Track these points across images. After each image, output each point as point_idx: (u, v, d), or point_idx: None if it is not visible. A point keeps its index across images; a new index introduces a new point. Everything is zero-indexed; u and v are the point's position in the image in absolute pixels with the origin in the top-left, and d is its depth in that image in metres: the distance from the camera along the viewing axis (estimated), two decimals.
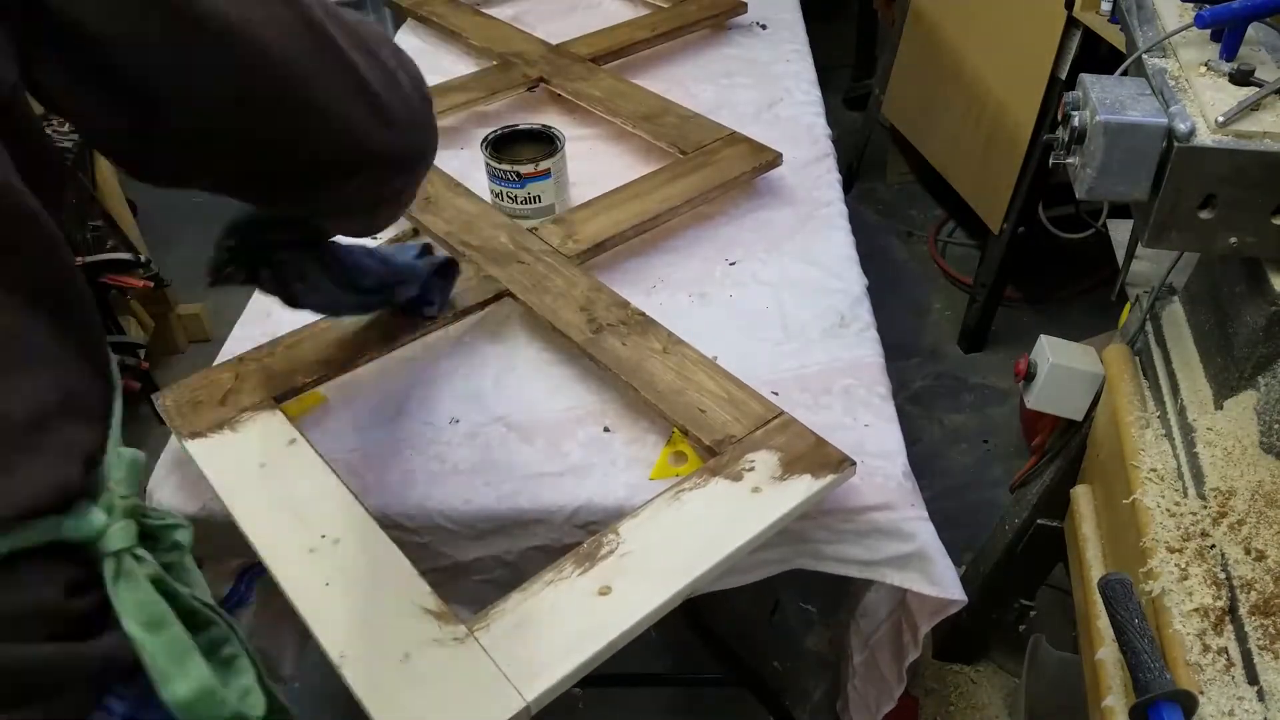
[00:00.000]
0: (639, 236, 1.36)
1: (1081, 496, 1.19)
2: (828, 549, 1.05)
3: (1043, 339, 1.23)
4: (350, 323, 1.17)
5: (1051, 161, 0.99)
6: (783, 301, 1.27)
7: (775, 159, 1.48)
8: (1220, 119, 0.87)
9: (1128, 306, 1.20)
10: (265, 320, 1.24)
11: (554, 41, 1.84)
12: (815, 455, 0.99)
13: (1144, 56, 0.98)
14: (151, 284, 2.06)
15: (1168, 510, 0.92)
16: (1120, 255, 1.26)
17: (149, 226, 2.37)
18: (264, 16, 0.64)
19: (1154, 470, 0.97)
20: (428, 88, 0.84)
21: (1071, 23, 1.81)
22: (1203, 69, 0.94)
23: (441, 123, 1.65)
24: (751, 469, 0.98)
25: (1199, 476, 0.94)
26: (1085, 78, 0.96)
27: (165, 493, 1.04)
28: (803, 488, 0.96)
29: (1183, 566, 0.87)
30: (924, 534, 1.02)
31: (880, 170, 2.97)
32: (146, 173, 0.70)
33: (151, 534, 0.65)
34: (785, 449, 1.00)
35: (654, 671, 1.67)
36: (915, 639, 1.12)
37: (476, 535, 1.04)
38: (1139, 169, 0.91)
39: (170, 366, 2.42)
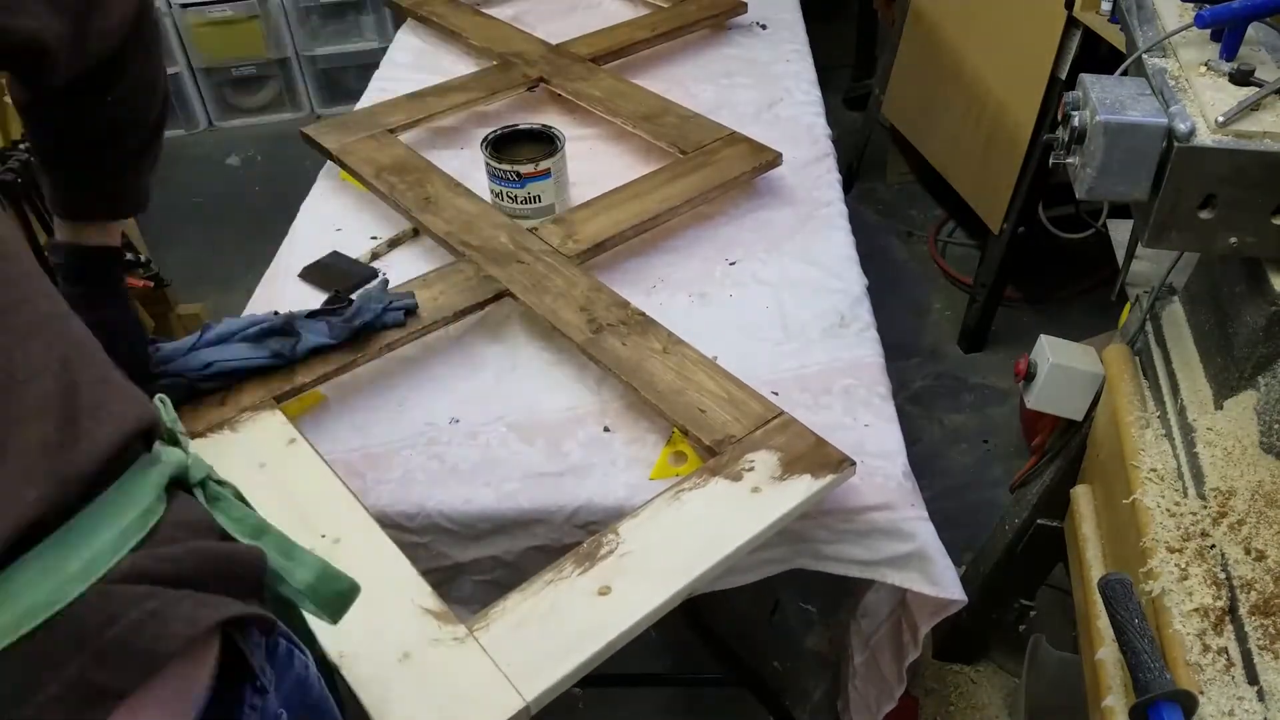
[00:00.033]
0: (639, 236, 1.36)
1: (1081, 496, 1.18)
2: (828, 549, 1.05)
3: (1043, 339, 1.23)
4: None
5: (1051, 161, 0.99)
6: (783, 301, 1.27)
7: (775, 159, 1.48)
8: (1220, 119, 0.87)
9: (1128, 306, 1.20)
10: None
11: (554, 41, 1.84)
12: (815, 455, 0.99)
13: (1144, 56, 0.98)
14: (151, 284, 2.06)
15: (1168, 510, 0.92)
16: (1120, 255, 1.26)
17: (149, 226, 2.37)
18: None
19: (1154, 470, 0.97)
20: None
21: (1071, 23, 1.81)
22: (1203, 69, 0.94)
23: (441, 123, 1.66)
24: (751, 469, 0.98)
25: (1199, 476, 0.94)
26: (1085, 78, 0.96)
27: None
28: (802, 488, 0.96)
29: (1183, 566, 0.87)
30: (924, 534, 1.02)
31: (880, 170, 2.96)
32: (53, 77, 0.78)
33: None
34: (785, 449, 1.00)
35: (654, 671, 1.67)
36: (915, 639, 1.12)
37: (476, 535, 1.04)
38: (1139, 169, 0.91)
39: None
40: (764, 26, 1.99)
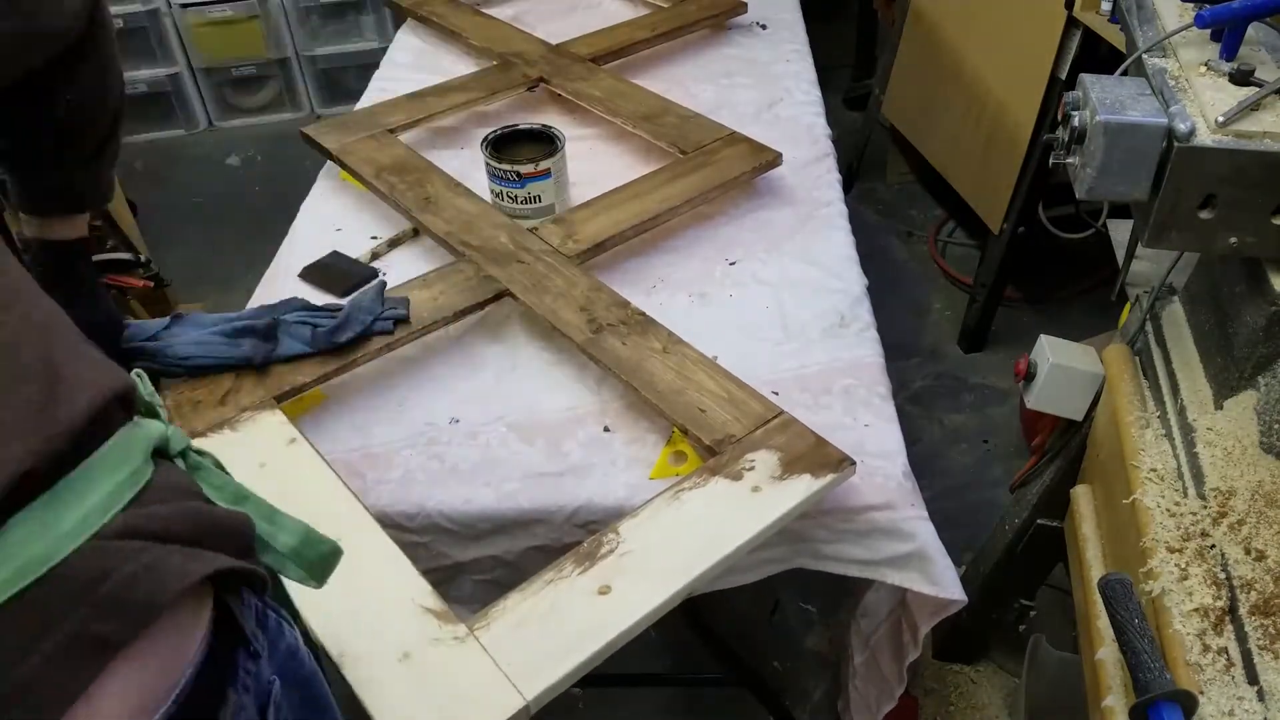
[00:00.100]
0: (639, 236, 1.36)
1: (1081, 496, 1.18)
2: (828, 548, 1.05)
3: (1043, 339, 1.23)
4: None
5: (1051, 161, 0.99)
6: (783, 301, 1.27)
7: (775, 159, 1.48)
8: (1220, 119, 0.87)
9: (1128, 306, 1.20)
10: None
11: (554, 41, 1.84)
12: (815, 455, 0.99)
13: (1144, 56, 0.98)
14: (151, 284, 2.06)
15: (1168, 510, 0.92)
16: (1120, 255, 1.26)
17: (149, 226, 2.37)
18: None
19: (1154, 470, 0.97)
20: None
21: (1071, 23, 1.81)
22: (1203, 69, 0.94)
23: (442, 123, 1.66)
24: (751, 468, 0.98)
25: (1199, 476, 0.94)
26: (1085, 78, 0.96)
27: None
28: (802, 487, 0.96)
29: (1183, 566, 0.87)
30: (924, 534, 1.02)
31: (880, 170, 2.96)
32: None
33: None
34: (785, 449, 1.00)
35: (654, 671, 1.67)
36: (915, 639, 1.12)
37: (476, 535, 1.04)
38: (1139, 169, 0.91)
39: None
40: (764, 26, 1.99)
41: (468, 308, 1.22)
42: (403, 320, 1.17)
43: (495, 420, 1.12)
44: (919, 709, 1.65)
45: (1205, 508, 0.91)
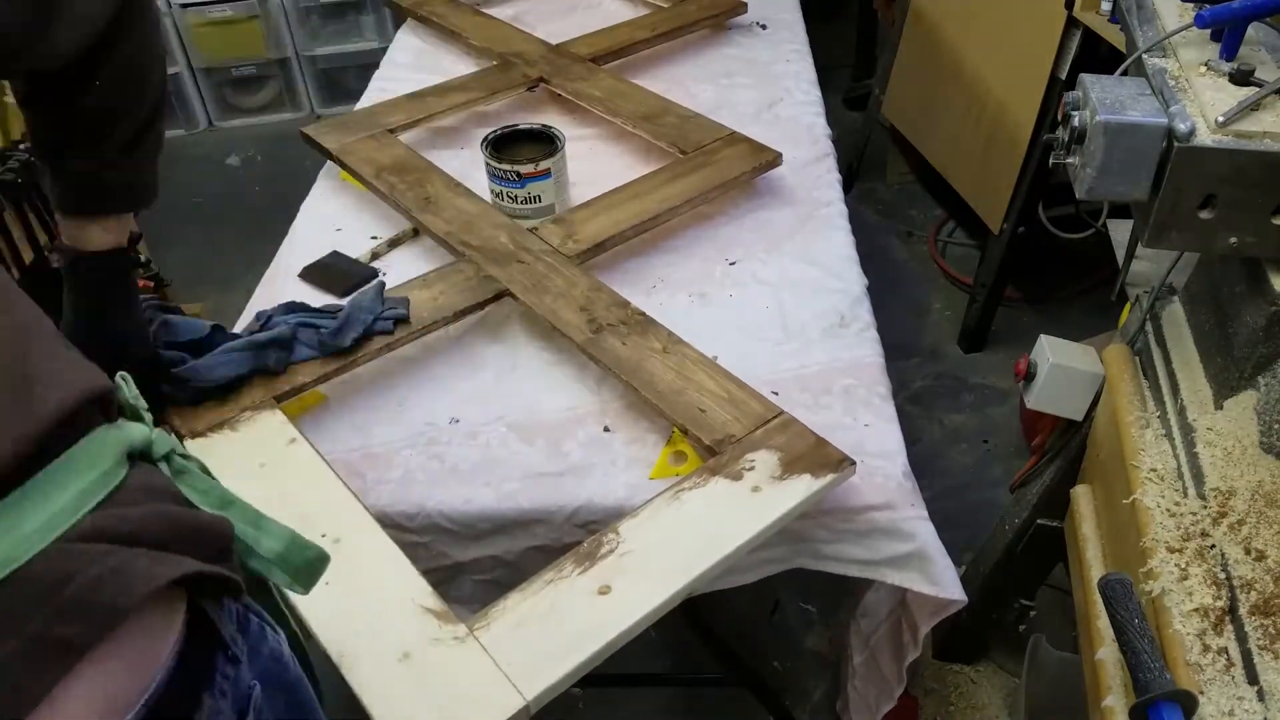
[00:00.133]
0: (639, 236, 1.36)
1: (1081, 496, 1.18)
2: (827, 548, 1.05)
3: (1043, 339, 1.23)
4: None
5: (1051, 161, 0.99)
6: (783, 301, 1.27)
7: (775, 159, 1.48)
8: (1220, 119, 0.87)
9: (1128, 306, 1.20)
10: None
11: (554, 41, 1.84)
12: (815, 455, 0.99)
13: (1144, 56, 0.98)
14: (151, 284, 2.06)
15: (1168, 510, 0.92)
16: (1120, 255, 1.26)
17: (149, 227, 2.37)
18: None
19: (1154, 470, 0.97)
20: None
21: (1071, 23, 1.81)
22: (1203, 69, 0.94)
23: (441, 123, 1.66)
24: (751, 468, 0.98)
25: (1199, 476, 0.94)
26: (1085, 78, 0.96)
27: None
28: (803, 487, 0.96)
29: (1183, 566, 0.87)
30: (924, 534, 1.02)
31: (880, 170, 2.96)
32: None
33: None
34: (785, 449, 1.00)
35: (654, 671, 1.67)
36: (915, 639, 1.12)
37: (476, 535, 1.04)
38: (1139, 169, 0.91)
39: None
40: (764, 26, 1.99)
41: (468, 308, 1.22)
42: (403, 320, 1.17)
43: (495, 420, 1.12)
44: (919, 709, 1.65)
45: (1205, 508, 0.91)
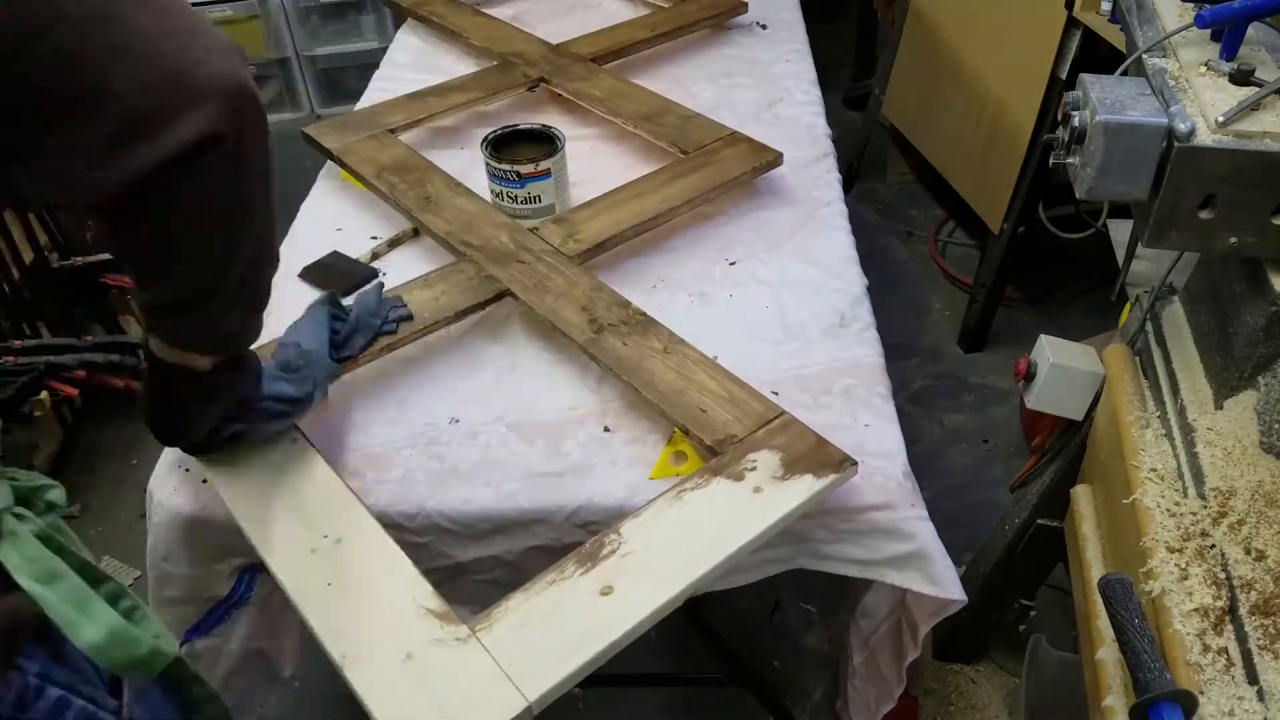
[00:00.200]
0: (639, 236, 1.36)
1: (1081, 496, 1.19)
2: (828, 548, 1.05)
3: (1043, 339, 1.23)
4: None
5: (1051, 161, 0.99)
6: (783, 301, 1.27)
7: (775, 159, 1.48)
8: (1220, 119, 0.87)
9: (1128, 306, 1.20)
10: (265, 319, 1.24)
11: (554, 41, 1.84)
12: (816, 455, 0.99)
13: (1144, 56, 0.98)
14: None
15: (1168, 510, 0.92)
16: (1120, 255, 1.26)
17: None
18: None
19: (1154, 470, 0.97)
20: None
21: (1071, 23, 1.81)
22: (1203, 69, 0.94)
23: (441, 123, 1.66)
24: (753, 469, 0.98)
25: (1199, 476, 0.94)
26: (1085, 78, 0.96)
27: (164, 493, 1.04)
28: (804, 488, 0.96)
29: (1183, 566, 0.87)
30: (924, 534, 1.02)
31: (880, 170, 2.97)
32: None
33: (24, 497, 0.65)
34: (786, 449, 1.00)
35: (654, 671, 1.67)
36: (915, 639, 1.12)
37: (477, 535, 1.04)
38: (1139, 169, 0.91)
39: None
40: (764, 26, 1.99)
41: (468, 308, 1.22)
42: (406, 319, 1.17)
43: (495, 420, 1.12)
44: (919, 709, 1.65)
45: (1205, 508, 0.91)
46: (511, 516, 1.03)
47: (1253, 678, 0.79)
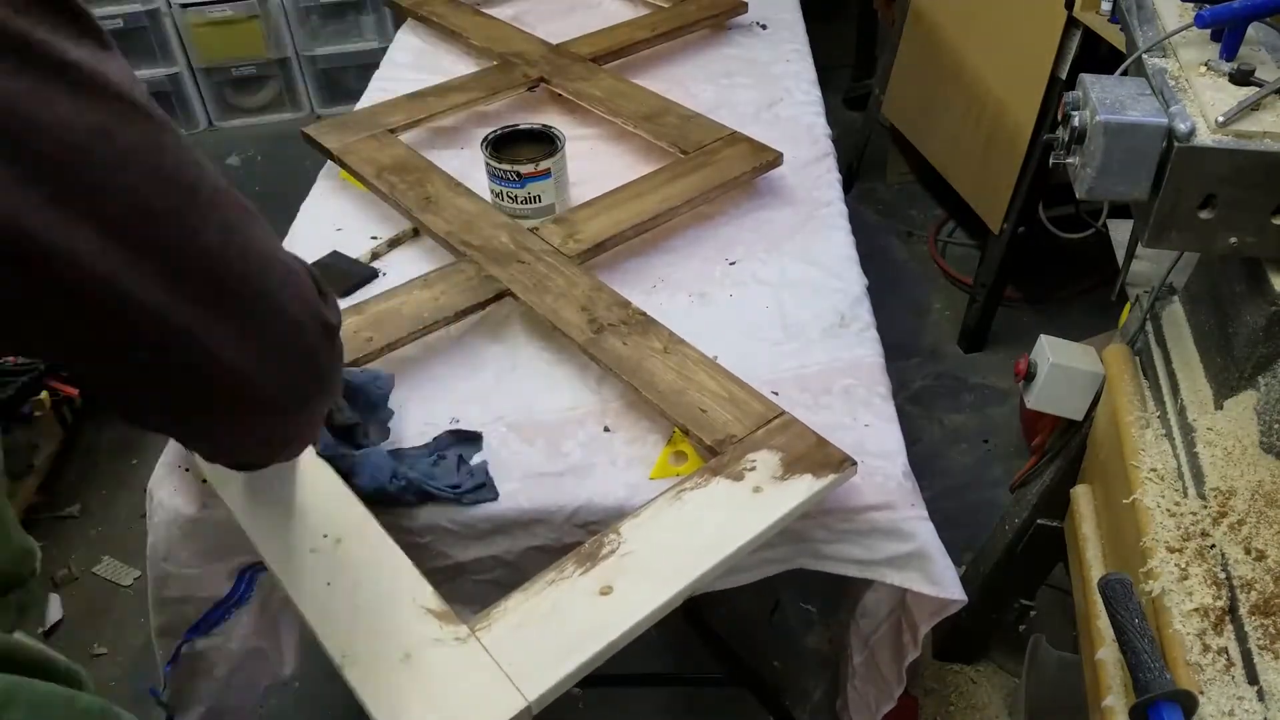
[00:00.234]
0: (639, 236, 1.36)
1: (1081, 496, 1.19)
2: (828, 548, 1.05)
3: (1043, 339, 1.23)
4: (348, 324, 1.17)
5: (1051, 161, 0.99)
6: (783, 301, 1.27)
7: (775, 159, 1.48)
8: (1220, 119, 0.87)
9: (1128, 306, 1.20)
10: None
11: (554, 41, 1.84)
12: (816, 455, 0.99)
13: (1144, 56, 0.98)
14: None
15: (1168, 510, 0.92)
16: (1120, 255, 1.26)
17: None
18: None
19: (1154, 470, 0.97)
20: (328, 319, 0.66)
21: (1071, 23, 1.81)
22: (1203, 69, 0.94)
23: (441, 123, 1.66)
24: (753, 469, 0.98)
25: (1199, 476, 0.94)
26: (1085, 78, 0.96)
27: (165, 493, 1.04)
28: (804, 487, 0.96)
29: (1183, 566, 0.87)
30: (924, 534, 1.02)
31: (880, 170, 2.97)
32: None
33: None
34: (786, 449, 1.00)
35: (654, 671, 1.67)
36: (915, 639, 1.12)
37: (477, 535, 1.04)
38: (1139, 169, 0.91)
39: None
40: (764, 26, 1.99)
41: (468, 308, 1.22)
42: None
43: (495, 420, 1.12)
44: (919, 709, 1.65)
45: (1205, 508, 0.91)
46: (511, 517, 1.03)
47: (1253, 678, 0.79)
